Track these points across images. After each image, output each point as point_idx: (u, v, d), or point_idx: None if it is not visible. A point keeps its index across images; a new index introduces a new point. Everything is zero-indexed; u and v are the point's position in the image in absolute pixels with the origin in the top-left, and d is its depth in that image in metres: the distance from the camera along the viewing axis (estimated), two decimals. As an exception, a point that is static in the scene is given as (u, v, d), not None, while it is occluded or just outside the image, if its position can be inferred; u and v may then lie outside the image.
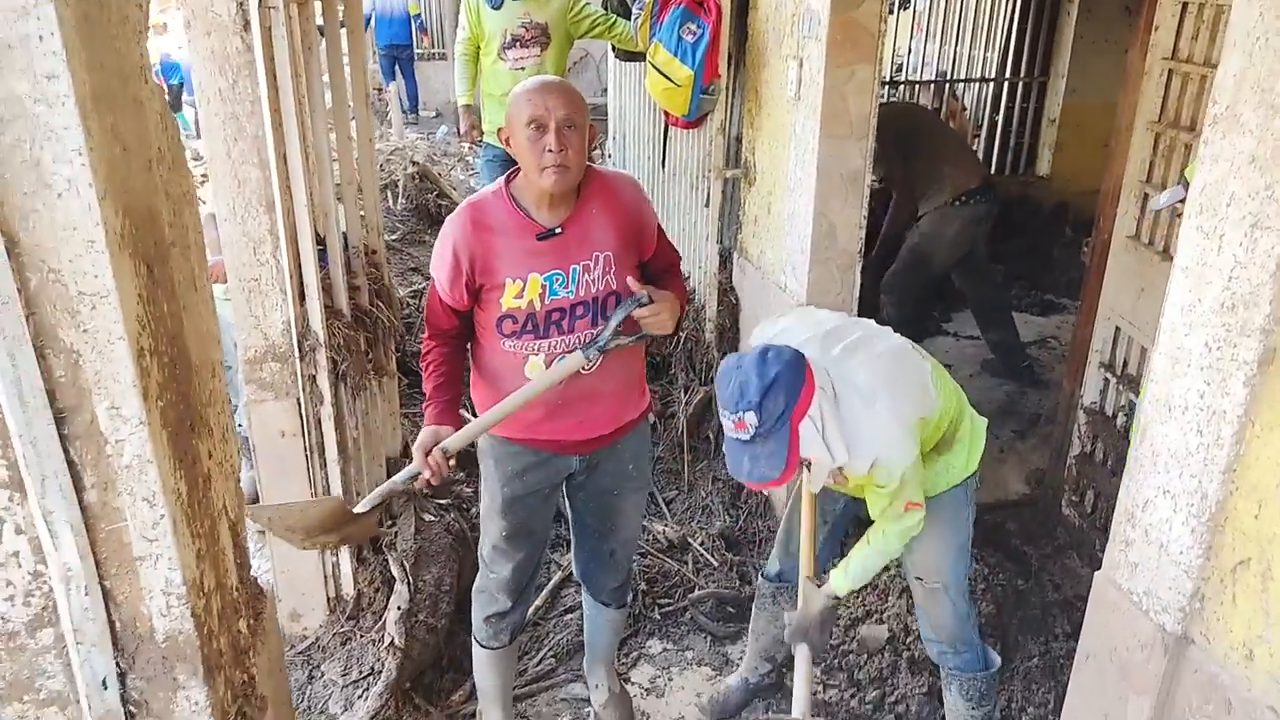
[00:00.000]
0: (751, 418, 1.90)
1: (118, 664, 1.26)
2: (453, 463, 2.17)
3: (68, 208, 1.04)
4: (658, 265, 2.32)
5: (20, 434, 1.09)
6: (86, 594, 1.19)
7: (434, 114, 12.30)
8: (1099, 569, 2.01)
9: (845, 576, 2.29)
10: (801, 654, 2.30)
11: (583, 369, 2.17)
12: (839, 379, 2.03)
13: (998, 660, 2.47)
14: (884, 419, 2.02)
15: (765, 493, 3.82)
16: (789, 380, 1.91)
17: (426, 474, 2.14)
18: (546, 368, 2.17)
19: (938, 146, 4.44)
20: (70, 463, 1.14)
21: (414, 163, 5.00)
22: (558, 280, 2.12)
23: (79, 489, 1.15)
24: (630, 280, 2.15)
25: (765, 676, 2.92)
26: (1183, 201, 1.72)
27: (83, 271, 1.07)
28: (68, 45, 0.99)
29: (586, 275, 2.14)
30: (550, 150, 1.98)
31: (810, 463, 2.01)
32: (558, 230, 2.11)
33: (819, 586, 2.33)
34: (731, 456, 2.02)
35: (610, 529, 2.54)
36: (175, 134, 1.33)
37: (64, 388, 1.11)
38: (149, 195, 1.21)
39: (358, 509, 2.29)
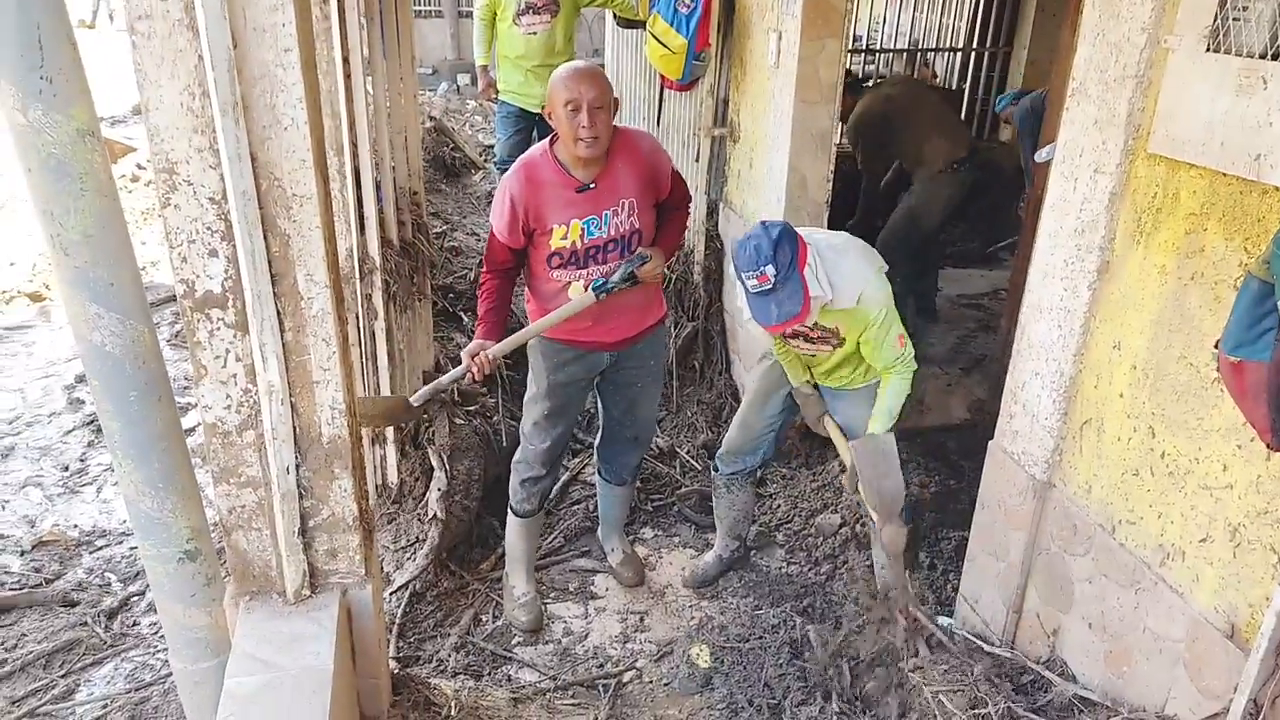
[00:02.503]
0: (770, 269, 2.45)
1: (296, 457, 1.83)
2: (498, 364, 2.77)
3: (290, 137, 1.60)
4: (671, 201, 2.92)
5: (249, 288, 1.66)
6: (282, 404, 1.76)
7: (430, 71, 12.65)
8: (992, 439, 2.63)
9: (877, 420, 2.75)
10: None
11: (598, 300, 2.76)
12: (816, 243, 2.61)
13: (910, 518, 3.10)
14: (857, 263, 2.64)
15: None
16: (789, 236, 2.50)
17: (474, 370, 2.71)
18: (585, 289, 2.78)
19: (928, 120, 4.89)
20: (278, 311, 1.70)
21: (431, 118, 5.48)
22: (594, 224, 2.72)
23: (282, 330, 1.72)
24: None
25: (735, 551, 3.54)
26: (1057, 156, 2.30)
27: (296, 180, 1.62)
28: (298, 29, 1.54)
29: (615, 218, 2.74)
30: (584, 127, 2.55)
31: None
32: (591, 185, 2.69)
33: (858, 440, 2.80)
34: (758, 308, 2.54)
35: (632, 416, 3.21)
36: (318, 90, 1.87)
37: (278, 259, 1.67)
38: (320, 132, 1.76)
39: (414, 400, 2.87)
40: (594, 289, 2.76)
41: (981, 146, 7.00)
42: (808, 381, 3.05)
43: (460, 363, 2.78)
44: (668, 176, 2.84)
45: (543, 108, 2.71)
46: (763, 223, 2.55)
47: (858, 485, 2.79)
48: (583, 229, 2.70)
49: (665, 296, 5.00)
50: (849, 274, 2.59)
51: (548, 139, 2.74)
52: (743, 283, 2.57)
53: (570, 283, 2.78)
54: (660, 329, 3.12)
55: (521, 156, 2.79)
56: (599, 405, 3.25)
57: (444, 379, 2.86)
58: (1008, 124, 6.38)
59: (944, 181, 4.81)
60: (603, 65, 7.31)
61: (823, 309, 2.61)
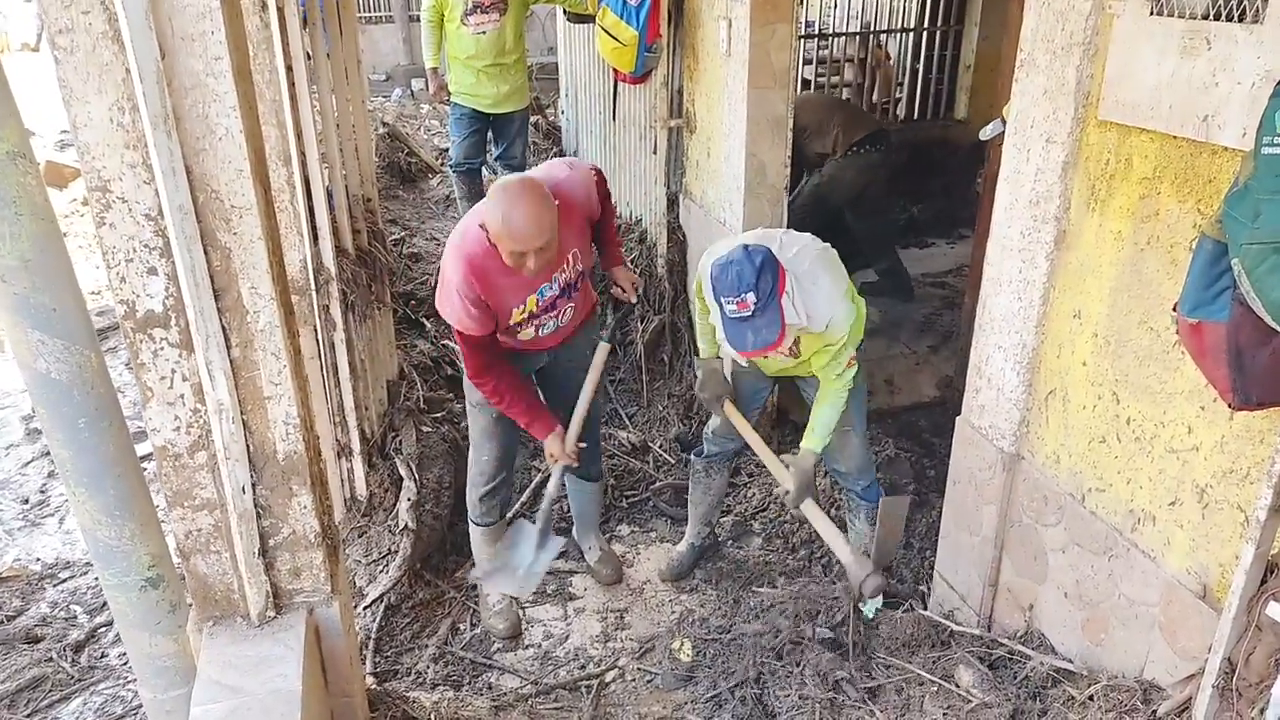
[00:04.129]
0: (751, 296, 2.45)
1: (251, 476, 1.78)
2: (583, 445, 2.90)
3: (225, 147, 1.55)
4: (603, 216, 2.87)
5: (191, 305, 1.61)
6: (233, 423, 1.72)
7: (384, 77, 12.50)
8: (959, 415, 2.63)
9: (814, 436, 2.81)
10: (810, 509, 2.80)
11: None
12: (791, 268, 2.58)
13: (882, 493, 3.13)
14: (828, 290, 2.62)
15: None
16: (771, 265, 2.48)
17: (568, 462, 2.85)
18: (535, 332, 2.79)
19: (824, 117, 5.01)
20: (223, 327, 1.65)
21: (384, 124, 5.41)
22: (545, 290, 2.70)
23: (228, 346, 1.67)
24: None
25: (706, 538, 3.53)
26: (1003, 134, 2.30)
27: (234, 191, 1.58)
28: (228, 36, 1.49)
29: (562, 274, 2.71)
30: (529, 268, 2.43)
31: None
32: None
33: (794, 456, 2.88)
34: (734, 334, 2.53)
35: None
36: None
37: (219, 274, 1.63)
38: (259, 141, 1.71)
39: (539, 525, 2.96)
40: (605, 340, 2.92)
41: (936, 125, 7.09)
42: (717, 358, 3.06)
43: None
44: (599, 200, 2.81)
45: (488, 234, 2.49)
46: (745, 247, 2.52)
47: (799, 504, 2.81)
48: (537, 297, 2.70)
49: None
50: (822, 300, 2.60)
51: (479, 223, 2.51)
52: (720, 306, 2.55)
53: (522, 330, 2.79)
54: (592, 315, 3.09)
55: (460, 250, 2.57)
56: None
57: (550, 490, 2.95)
58: None
59: (846, 163, 4.94)
60: (556, 65, 7.26)
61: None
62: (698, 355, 3.16)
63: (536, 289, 2.67)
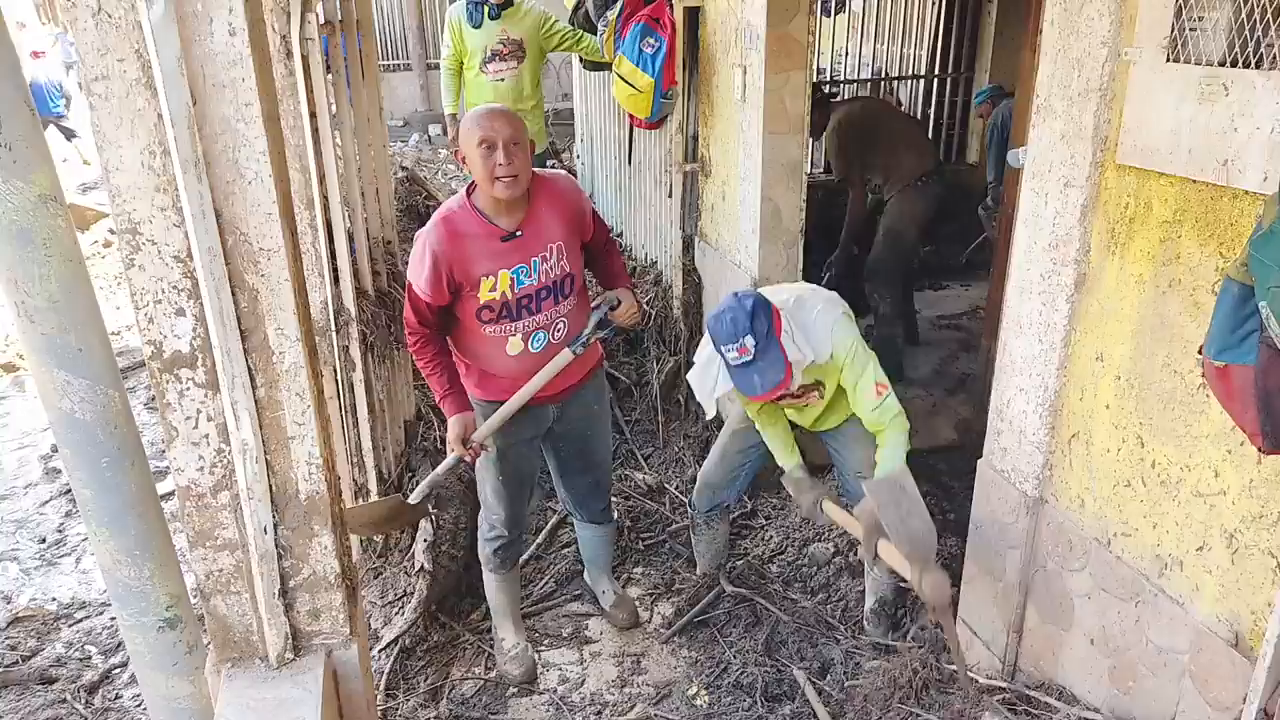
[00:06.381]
0: (749, 340, 2.46)
1: (273, 516, 1.78)
2: (488, 445, 2.73)
3: (254, 191, 1.57)
4: (597, 243, 2.83)
5: (218, 346, 1.62)
6: (256, 463, 1.72)
7: (402, 123, 12.72)
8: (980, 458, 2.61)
9: (883, 466, 2.67)
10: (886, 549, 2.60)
11: (572, 352, 2.70)
12: (781, 304, 2.61)
13: None
14: (823, 313, 2.65)
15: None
16: (764, 305, 2.50)
17: (468, 458, 2.70)
18: (524, 343, 2.68)
19: (896, 135, 4.95)
20: (249, 368, 1.67)
21: (403, 168, 5.49)
22: (523, 272, 2.61)
23: (254, 386, 1.68)
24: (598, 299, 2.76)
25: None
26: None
27: (263, 234, 1.60)
28: (258, 83, 1.52)
29: (544, 264, 2.63)
30: (500, 164, 2.42)
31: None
32: (518, 233, 2.58)
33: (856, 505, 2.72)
34: (741, 380, 2.53)
35: (589, 461, 3.13)
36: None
37: (246, 314, 1.64)
38: (286, 185, 1.74)
39: (412, 499, 2.85)
40: (570, 347, 2.69)
41: (949, 169, 7.13)
42: (800, 465, 3.01)
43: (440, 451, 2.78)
44: (591, 218, 2.77)
45: (455, 152, 2.65)
46: (735, 294, 2.55)
47: (877, 550, 2.64)
48: (511, 279, 2.58)
49: (647, 332, 5.04)
50: (818, 325, 2.61)
51: (464, 190, 2.61)
52: (722, 356, 2.57)
53: (509, 338, 2.67)
54: (599, 371, 3.02)
55: (439, 209, 2.64)
56: (550, 458, 3.13)
57: (439, 471, 2.83)
58: (982, 118, 6.53)
59: (914, 196, 4.84)
60: (572, 110, 7.37)
61: (804, 370, 2.62)
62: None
63: (512, 265, 2.56)
